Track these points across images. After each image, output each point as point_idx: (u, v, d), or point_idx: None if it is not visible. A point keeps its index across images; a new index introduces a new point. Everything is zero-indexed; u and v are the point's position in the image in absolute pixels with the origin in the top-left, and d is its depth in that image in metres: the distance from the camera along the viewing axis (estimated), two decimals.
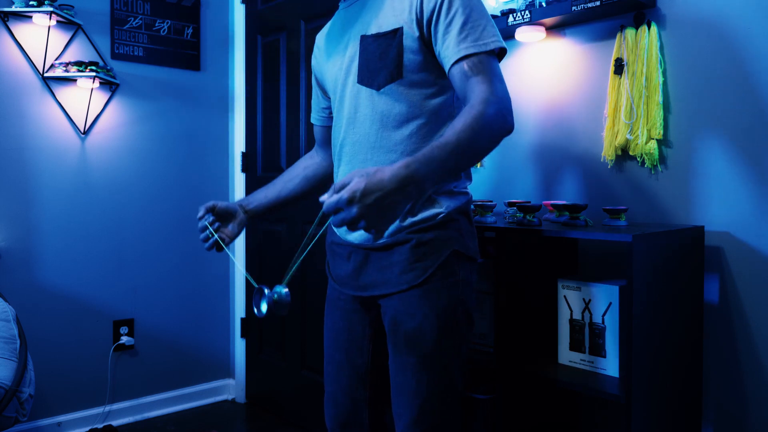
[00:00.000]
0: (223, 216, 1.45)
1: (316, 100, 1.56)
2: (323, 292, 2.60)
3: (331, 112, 1.52)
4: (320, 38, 1.49)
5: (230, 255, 1.51)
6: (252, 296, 1.21)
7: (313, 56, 1.52)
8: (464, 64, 1.18)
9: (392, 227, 1.26)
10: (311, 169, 1.58)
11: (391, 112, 1.27)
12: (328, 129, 1.56)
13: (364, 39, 1.29)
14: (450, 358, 1.28)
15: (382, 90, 1.27)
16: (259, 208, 1.52)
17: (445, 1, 1.20)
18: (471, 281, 1.31)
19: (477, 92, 1.13)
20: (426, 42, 1.24)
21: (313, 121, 1.60)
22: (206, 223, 1.40)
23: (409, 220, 1.26)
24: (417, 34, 1.23)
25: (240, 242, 3.08)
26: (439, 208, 1.26)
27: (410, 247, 1.26)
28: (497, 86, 1.15)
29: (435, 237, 1.26)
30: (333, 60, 1.39)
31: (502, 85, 1.18)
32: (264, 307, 1.17)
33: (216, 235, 1.39)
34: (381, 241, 1.28)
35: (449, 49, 1.20)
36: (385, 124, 1.28)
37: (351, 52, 1.32)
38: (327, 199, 0.96)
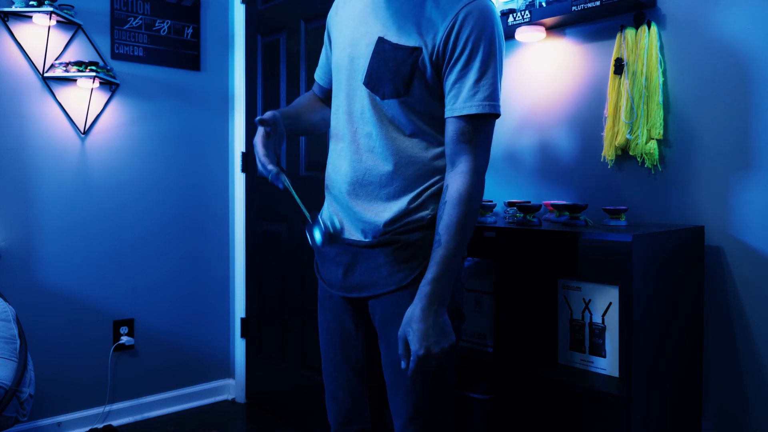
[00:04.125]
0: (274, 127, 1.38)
1: (326, 60, 1.51)
2: None
3: None
4: (338, 8, 1.43)
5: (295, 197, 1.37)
6: (307, 228, 1.26)
7: (330, 15, 1.47)
8: (463, 124, 1.21)
9: (377, 228, 1.29)
10: (326, 112, 1.52)
11: (392, 122, 1.28)
12: (329, 91, 1.52)
13: (381, 42, 1.26)
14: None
15: (386, 100, 1.26)
16: (290, 129, 1.45)
17: (467, 50, 1.20)
18: (458, 278, 1.33)
19: (461, 169, 1.21)
20: (438, 73, 1.24)
21: (317, 79, 1.55)
22: (276, 171, 1.32)
23: (397, 222, 1.27)
24: (434, 62, 1.23)
25: (240, 242, 3.08)
26: (425, 211, 1.27)
27: (397, 248, 1.27)
28: (480, 161, 1.23)
29: (422, 237, 1.27)
30: (344, 45, 1.35)
31: (486, 155, 1.25)
32: (319, 236, 1.24)
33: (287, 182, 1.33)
34: (367, 239, 1.30)
35: (458, 100, 1.21)
36: (387, 130, 1.28)
37: (365, 48, 1.29)
38: (411, 368, 1.19)
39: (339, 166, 1.35)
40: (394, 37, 1.25)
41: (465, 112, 1.20)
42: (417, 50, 1.22)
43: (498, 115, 1.24)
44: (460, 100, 1.21)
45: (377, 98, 1.27)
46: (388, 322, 1.29)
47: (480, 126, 1.22)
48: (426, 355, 1.16)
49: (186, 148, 2.96)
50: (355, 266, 1.32)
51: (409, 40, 1.24)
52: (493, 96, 1.21)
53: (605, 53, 1.79)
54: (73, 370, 2.64)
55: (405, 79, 1.23)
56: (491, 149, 1.28)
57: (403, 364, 1.20)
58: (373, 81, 1.27)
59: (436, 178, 1.29)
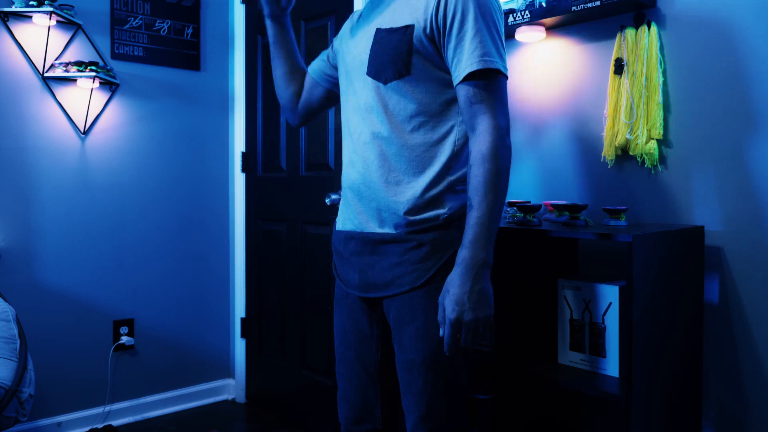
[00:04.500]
0: None
1: (322, 62, 1.57)
2: (323, 291, 2.60)
3: (330, 82, 1.56)
4: (346, 25, 1.50)
5: None
6: None
7: (336, 38, 1.53)
8: (471, 87, 1.22)
9: (396, 215, 1.29)
10: (296, 81, 1.62)
11: (396, 107, 1.29)
12: (313, 87, 1.59)
13: (378, 32, 1.31)
14: (454, 356, 1.28)
15: (388, 84, 1.28)
16: (286, 41, 1.59)
17: (458, 15, 1.22)
18: None
19: (480, 130, 1.21)
20: (436, 45, 1.26)
21: (309, 70, 1.61)
22: None
23: (412, 218, 1.27)
24: (428, 35, 1.25)
25: (240, 242, 3.08)
26: (441, 209, 1.27)
27: (412, 248, 1.27)
28: (499, 117, 1.22)
29: (436, 237, 1.27)
30: (350, 47, 1.40)
31: (504, 113, 1.23)
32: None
33: None
34: (384, 230, 1.31)
35: (460, 63, 1.22)
36: (392, 118, 1.29)
37: (366, 43, 1.34)
38: (445, 335, 1.18)
39: (352, 160, 1.37)
40: (388, 24, 1.30)
41: (468, 71, 1.21)
42: (410, 28, 1.25)
43: (505, 75, 1.24)
44: (462, 64, 1.22)
45: (381, 85, 1.29)
46: (402, 321, 1.29)
47: (488, 85, 1.22)
48: (457, 320, 1.15)
49: (186, 148, 2.96)
50: (371, 266, 1.33)
51: (401, 21, 1.27)
52: (492, 53, 1.21)
53: (605, 53, 1.79)
54: (73, 370, 2.64)
55: (404, 57, 1.26)
56: None
57: (441, 332, 1.20)
58: (375, 69, 1.30)
59: (451, 166, 1.28)
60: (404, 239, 1.27)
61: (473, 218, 1.18)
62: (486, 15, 1.23)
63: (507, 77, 1.25)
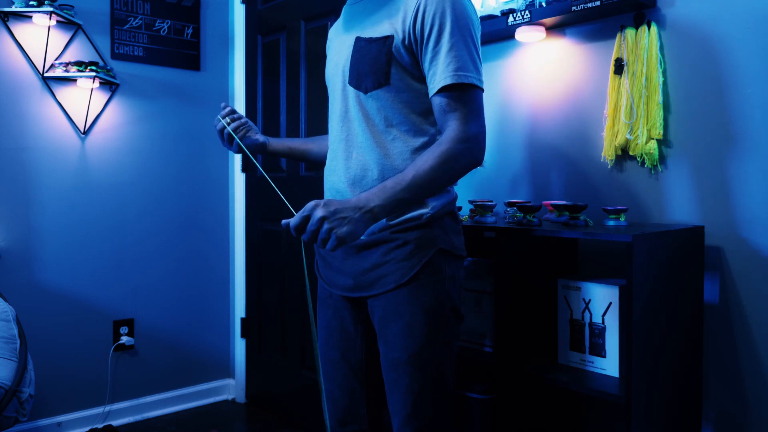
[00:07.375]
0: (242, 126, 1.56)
1: None
2: None
3: None
4: (331, 32, 1.51)
5: (243, 148, 1.55)
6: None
7: (326, 47, 1.55)
8: (444, 98, 1.23)
9: (374, 227, 1.29)
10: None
11: (377, 116, 1.30)
12: None
13: (358, 41, 1.31)
14: (440, 353, 1.29)
15: (369, 93, 1.29)
16: (279, 145, 1.62)
17: (435, 28, 1.23)
18: (458, 277, 1.33)
19: (448, 131, 1.23)
20: (414, 55, 1.27)
21: None
22: (223, 122, 1.51)
23: (395, 219, 1.28)
24: (407, 45, 1.26)
25: (240, 242, 3.08)
26: (424, 208, 1.28)
27: (396, 247, 1.28)
28: (471, 125, 1.23)
29: (420, 236, 1.28)
30: (332, 56, 1.42)
31: (477, 122, 1.24)
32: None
33: (229, 129, 1.50)
34: (362, 238, 1.30)
35: (435, 76, 1.24)
36: (372, 126, 1.31)
37: (346, 51, 1.35)
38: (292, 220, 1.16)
39: (335, 168, 1.38)
40: (368, 33, 1.30)
41: (441, 84, 1.22)
42: (389, 38, 1.26)
43: (479, 88, 1.25)
44: (436, 77, 1.23)
45: (361, 94, 1.30)
46: (387, 319, 1.29)
47: (461, 97, 1.23)
48: (314, 208, 1.14)
49: (186, 148, 2.96)
50: (355, 267, 1.33)
51: (381, 31, 1.28)
52: (467, 67, 1.23)
53: (605, 53, 1.79)
54: (73, 370, 2.64)
55: (383, 68, 1.27)
56: (456, 182, 1.29)
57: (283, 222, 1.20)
58: (355, 78, 1.31)
59: None
60: (388, 239, 1.28)
61: (390, 180, 1.21)
62: (463, 28, 1.23)
63: (482, 90, 1.26)
